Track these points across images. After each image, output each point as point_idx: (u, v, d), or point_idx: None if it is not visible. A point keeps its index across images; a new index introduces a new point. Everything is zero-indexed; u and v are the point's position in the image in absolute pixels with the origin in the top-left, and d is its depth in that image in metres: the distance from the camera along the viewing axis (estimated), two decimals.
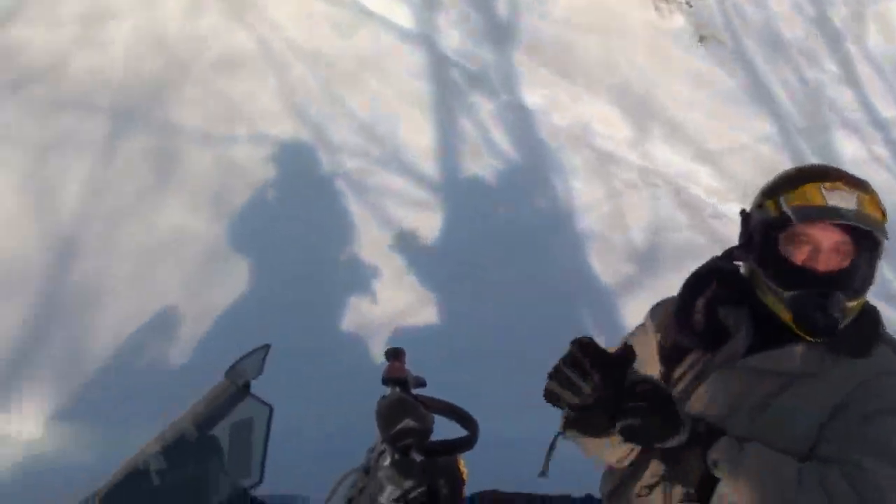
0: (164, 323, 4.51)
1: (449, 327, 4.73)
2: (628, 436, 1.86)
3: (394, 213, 5.34)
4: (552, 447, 2.03)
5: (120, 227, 4.90)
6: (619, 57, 6.74)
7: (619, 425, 1.84)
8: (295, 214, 5.16)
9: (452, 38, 6.52)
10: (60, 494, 3.70)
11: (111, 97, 5.49)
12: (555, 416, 1.97)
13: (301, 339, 4.30)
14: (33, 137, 5.19)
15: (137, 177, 5.18)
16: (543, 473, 2.02)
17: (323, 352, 4.47)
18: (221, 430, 2.28)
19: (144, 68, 5.69)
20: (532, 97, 6.31)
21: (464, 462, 2.30)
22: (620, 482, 2.23)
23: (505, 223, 5.46)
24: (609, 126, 6.26)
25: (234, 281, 4.77)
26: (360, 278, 4.94)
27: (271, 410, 2.21)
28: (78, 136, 5.26)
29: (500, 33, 6.67)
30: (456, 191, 5.60)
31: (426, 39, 6.46)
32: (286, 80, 5.88)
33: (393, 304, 4.86)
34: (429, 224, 5.34)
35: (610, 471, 2.31)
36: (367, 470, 2.31)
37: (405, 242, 5.20)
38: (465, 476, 2.31)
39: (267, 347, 2.44)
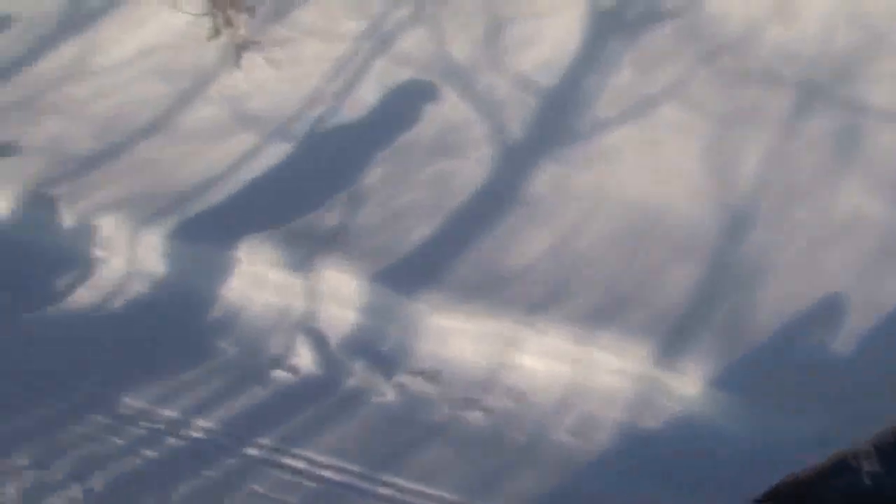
0: (828, 310, 4.31)
1: None
2: None
3: None
4: None
5: (794, 204, 4.82)
6: None
7: None
8: None
9: None
10: (707, 456, 3.81)
11: (798, 71, 5.42)
12: None
13: None
14: (719, 107, 5.35)
15: (817, 154, 5.03)
16: None
17: None
18: None
19: (836, 42, 5.48)
20: None
21: None
22: None
23: None
24: None
25: None
26: None
27: None
28: (761, 109, 5.29)
29: None
30: None
31: None
32: None
33: None
34: None
35: None
36: None
37: None
38: None
39: None
